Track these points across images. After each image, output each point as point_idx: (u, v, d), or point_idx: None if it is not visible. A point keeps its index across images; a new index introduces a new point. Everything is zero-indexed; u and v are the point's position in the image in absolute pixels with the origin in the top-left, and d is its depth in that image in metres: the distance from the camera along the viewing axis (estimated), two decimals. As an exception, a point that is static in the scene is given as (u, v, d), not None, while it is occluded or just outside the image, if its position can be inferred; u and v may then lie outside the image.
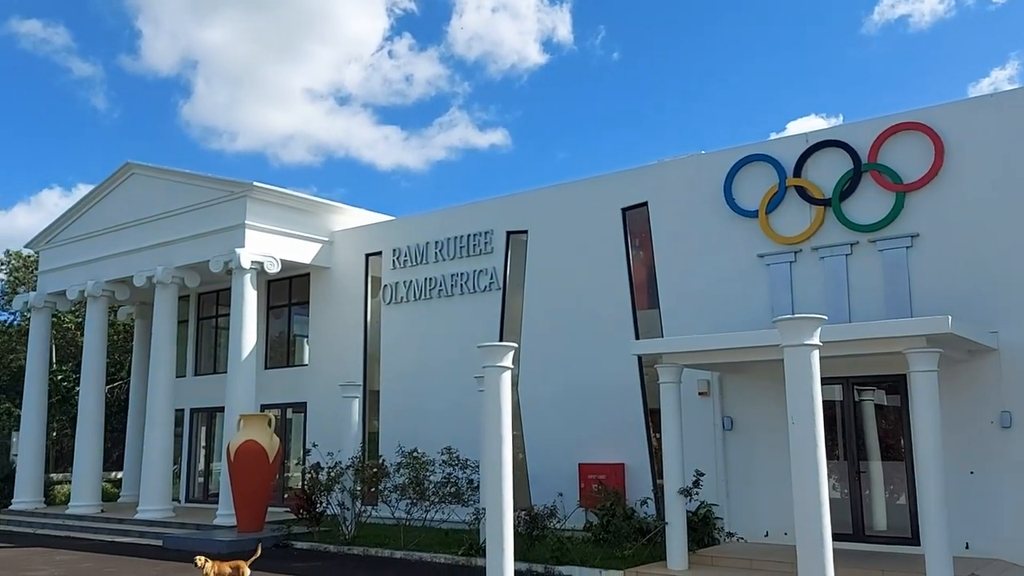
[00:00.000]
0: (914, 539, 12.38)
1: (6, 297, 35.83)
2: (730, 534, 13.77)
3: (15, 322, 34.98)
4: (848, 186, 13.87)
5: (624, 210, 16.27)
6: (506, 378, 9.74)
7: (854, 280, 13.67)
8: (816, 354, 8.39)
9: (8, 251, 36.75)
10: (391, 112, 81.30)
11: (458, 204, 19.23)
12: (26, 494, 22.40)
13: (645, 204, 16.00)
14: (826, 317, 8.80)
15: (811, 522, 8.04)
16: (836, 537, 8.41)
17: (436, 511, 15.36)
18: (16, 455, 24.78)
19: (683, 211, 15.49)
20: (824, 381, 8.62)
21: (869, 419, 13.52)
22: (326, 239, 20.63)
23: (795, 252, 14.26)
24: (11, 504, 22.32)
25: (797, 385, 8.30)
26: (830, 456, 8.87)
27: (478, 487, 14.89)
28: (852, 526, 12.95)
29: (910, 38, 64.06)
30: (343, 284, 20.48)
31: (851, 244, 13.78)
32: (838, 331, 10.58)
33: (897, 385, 13.19)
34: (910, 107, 13.69)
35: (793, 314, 12.65)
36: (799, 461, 8.19)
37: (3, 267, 36.42)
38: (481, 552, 13.30)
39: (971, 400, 12.37)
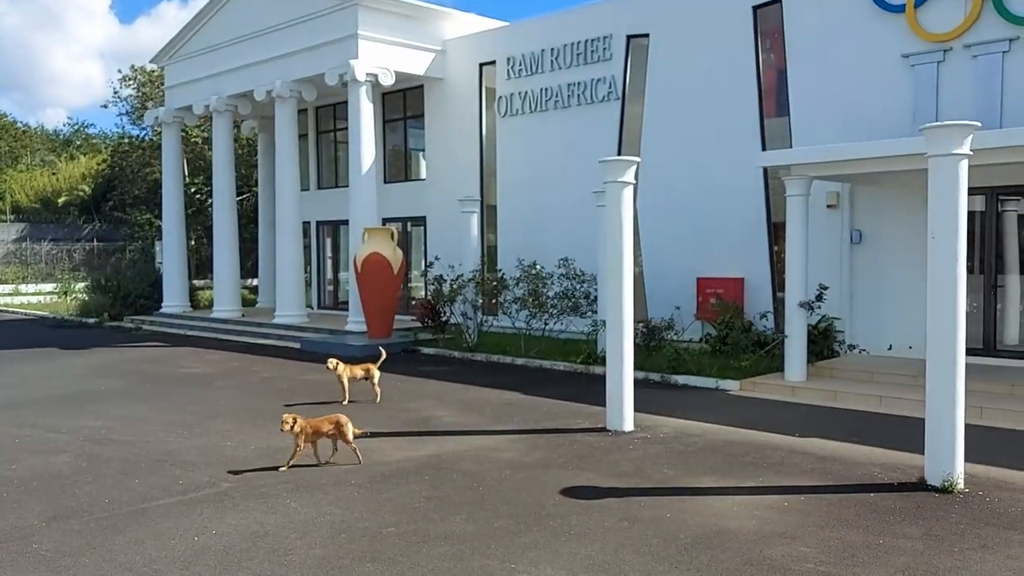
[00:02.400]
0: (1050, 356, 11.97)
1: (137, 112, 37.26)
2: (851, 347, 13.64)
3: (147, 136, 36.56)
4: (1013, -27, 12.34)
5: (755, 8, 15.09)
6: (627, 193, 9.57)
7: (1010, 81, 12.46)
8: (965, 164, 7.80)
9: (134, 67, 37.83)
10: (499, -96, 76.49)
11: (575, 7, 18.30)
12: (174, 298, 24.30)
13: (778, 1, 14.78)
14: (979, 124, 8.10)
15: (944, 338, 7.80)
16: (966, 352, 8.16)
17: (554, 322, 15.77)
18: (161, 262, 26.66)
19: (822, 7, 14.24)
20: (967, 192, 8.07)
21: (1011, 231, 12.75)
22: (439, 48, 20.19)
23: (944, 51, 13.02)
24: (161, 308, 24.29)
25: (941, 198, 7.80)
26: (966, 270, 8.46)
27: (595, 300, 15.12)
28: (983, 341, 12.59)
29: None
30: (457, 96, 20.22)
31: (1010, 40, 12.45)
32: (989, 137, 9.77)
33: (1048, 196, 12.30)
34: None
35: (937, 120, 11.78)
36: (936, 278, 7.85)
37: (131, 82, 37.62)
38: (599, 361, 13.71)
39: None
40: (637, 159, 9.86)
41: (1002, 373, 11.64)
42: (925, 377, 7.78)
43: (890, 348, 13.46)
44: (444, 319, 17.48)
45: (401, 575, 5.30)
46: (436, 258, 17.72)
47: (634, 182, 9.66)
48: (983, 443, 8.67)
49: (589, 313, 15.27)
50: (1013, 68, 12.43)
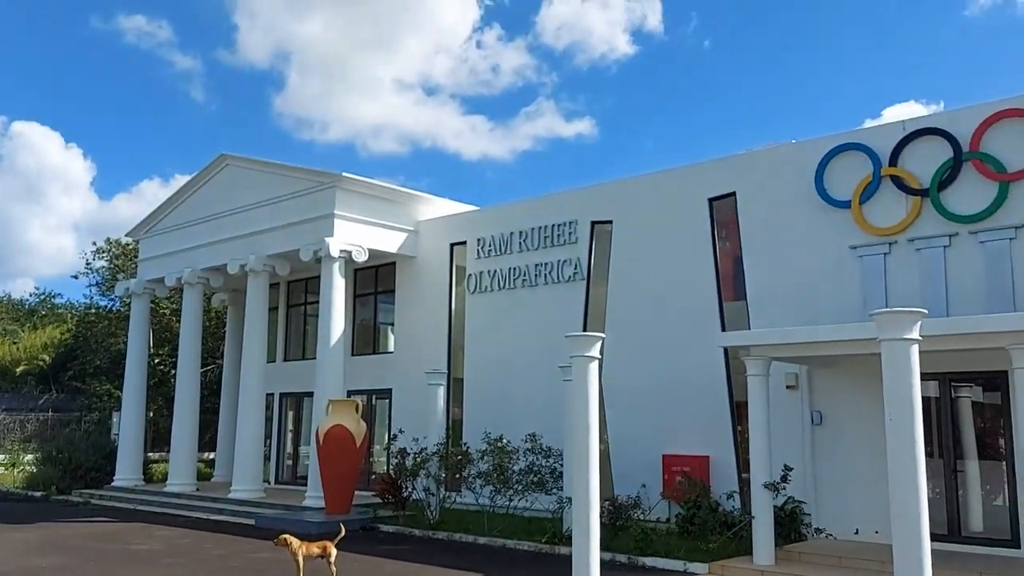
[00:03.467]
0: (1014, 541, 11.95)
1: (107, 284, 37.49)
2: (818, 530, 13.52)
3: (115, 307, 36.61)
4: (947, 176, 13.40)
5: (711, 200, 16.07)
6: (593, 368, 9.77)
7: (952, 273, 13.21)
8: (915, 349, 8.18)
9: (109, 239, 38.45)
10: (478, 102, 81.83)
11: (543, 194, 19.31)
12: (127, 472, 23.49)
13: (733, 194, 15.77)
14: (926, 311, 8.56)
15: (908, 522, 7.85)
16: (931, 537, 8.19)
17: (519, 499, 15.50)
18: (117, 434, 25.97)
19: (772, 201, 15.22)
20: (920, 377, 8.40)
21: (966, 417, 13.06)
22: (412, 229, 20.96)
23: (890, 244, 13.85)
24: (113, 481, 23.44)
25: (895, 381, 8.10)
26: (925, 454, 8.62)
27: (561, 476, 14.97)
28: (947, 526, 12.57)
29: (1017, 20, 61.37)
30: (428, 273, 20.79)
31: (950, 236, 13.32)
32: (938, 325, 10.26)
33: (997, 382, 12.71)
34: (1015, 93, 13.12)
35: (887, 307, 12.33)
36: (896, 459, 8.01)
37: (104, 255, 38.11)
38: (564, 540, 13.38)
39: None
40: (602, 335, 10.15)
41: (970, 560, 11.56)
42: (892, 563, 7.77)
43: (857, 532, 13.36)
44: (406, 495, 17.09)
45: None
46: (400, 431, 17.56)
47: (600, 357, 9.89)
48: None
49: (555, 490, 15.07)
50: (955, 261, 13.22)
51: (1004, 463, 12.54)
